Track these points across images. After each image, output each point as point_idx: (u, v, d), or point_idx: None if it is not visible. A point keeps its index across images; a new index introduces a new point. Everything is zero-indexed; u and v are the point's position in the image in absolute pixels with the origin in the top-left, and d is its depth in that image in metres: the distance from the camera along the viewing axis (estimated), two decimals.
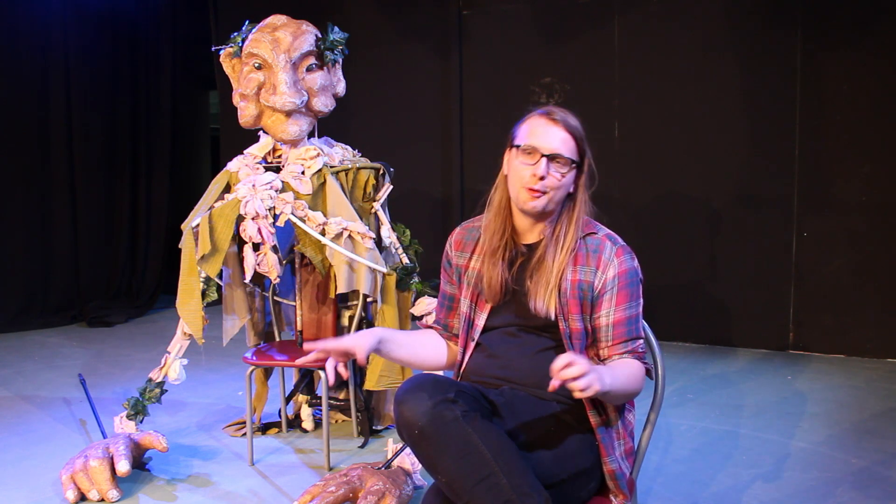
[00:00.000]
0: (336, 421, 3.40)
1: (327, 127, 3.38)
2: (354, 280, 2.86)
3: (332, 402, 3.30)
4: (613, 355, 1.68)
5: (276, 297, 3.25)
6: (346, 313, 3.25)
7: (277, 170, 2.93)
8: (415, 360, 1.86)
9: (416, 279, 2.96)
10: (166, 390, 3.02)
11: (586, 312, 1.68)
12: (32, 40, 5.42)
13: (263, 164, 2.98)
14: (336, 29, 2.95)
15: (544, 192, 1.69)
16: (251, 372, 2.94)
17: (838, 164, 4.39)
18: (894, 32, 4.20)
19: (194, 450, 3.08)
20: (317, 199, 2.90)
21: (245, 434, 3.06)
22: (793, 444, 3.08)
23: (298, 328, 3.15)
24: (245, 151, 3.06)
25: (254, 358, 2.94)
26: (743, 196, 4.62)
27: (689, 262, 4.78)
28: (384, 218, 3.06)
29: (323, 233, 2.83)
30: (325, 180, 2.91)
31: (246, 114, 2.94)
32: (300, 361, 1.81)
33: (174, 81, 6.32)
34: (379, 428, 3.25)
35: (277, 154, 3.03)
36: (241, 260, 3.01)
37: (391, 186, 3.11)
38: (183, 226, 2.93)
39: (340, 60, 3.01)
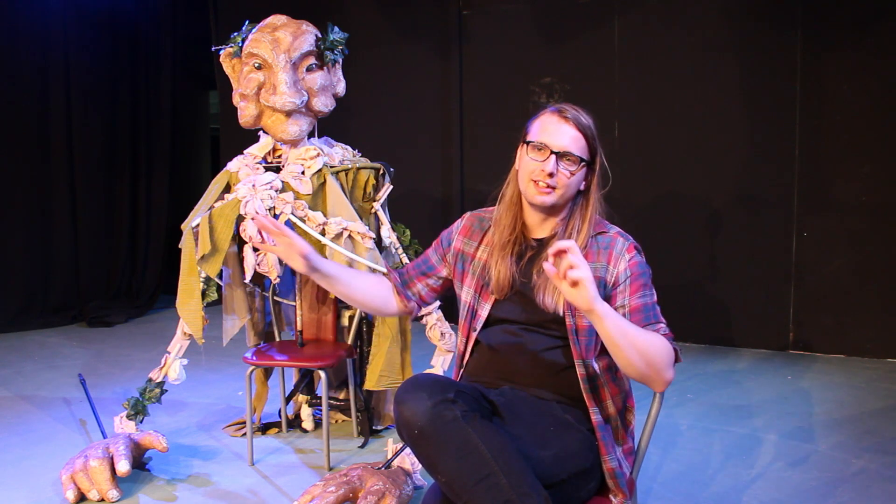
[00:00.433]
0: (336, 421, 3.40)
1: (327, 127, 3.38)
2: None
3: (332, 402, 3.30)
4: None
5: (276, 297, 3.25)
6: (346, 313, 3.25)
7: (277, 170, 2.93)
8: (347, 292, 1.90)
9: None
10: (166, 390, 3.02)
11: None
12: (32, 40, 5.42)
13: (263, 164, 2.98)
14: (336, 29, 2.95)
15: (553, 188, 1.70)
16: (251, 372, 2.94)
17: (838, 164, 4.39)
18: (894, 32, 4.21)
19: (194, 450, 3.08)
20: (317, 199, 2.90)
21: (245, 434, 3.06)
22: (793, 444, 3.08)
23: (298, 328, 3.15)
24: (245, 151, 3.06)
25: (254, 358, 2.94)
26: (743, 196, 4.62)
27: (689, 262, 4.78)
28: (384, 218, 3.06)
29: (323, 233, 2.83)
30: (325, 180, 2.91)
31: (246, 114, 2.94)
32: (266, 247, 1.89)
33: (174, 81, 6.32)
34: (379, 428, 3.25)
35: (277, 154, 3.03)
36: (241, 260, 3.01)
37: (391, 186, 3.11)
38: (183, 226, 2.93)
39: (340, 60, 3.01)
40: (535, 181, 1.71)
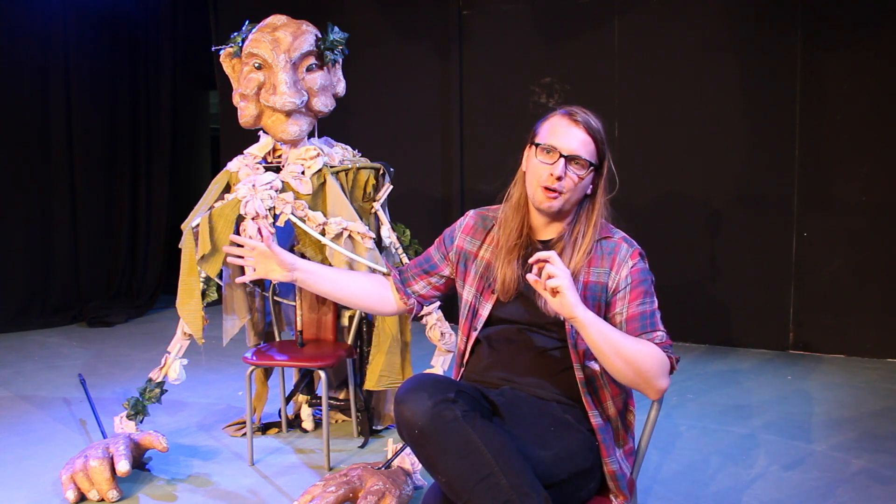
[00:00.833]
0: (336, 421, 3.40)
1: (327, 127, 3.38)
2: None
3: (332, 402, 3.30)
4: None
5: (276, 297, 3.25)
6: (346, 313, 3.25)
7: (277, 170, 2.93)
8: (334, 291, 1.89)
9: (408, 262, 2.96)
10: (166, 390, 3.02)
11: (599, 314, 1.66)
12: (32, 40, 5.42)
13: (263, 164, 2.98)
14: (336, 29, 2.95)
15: (560, 193, 1.69)
16: (251, 372, 2.94)
17: (838, 164, 4.39)
18: (894, 32, 4.21)
19: (194, 450, 3.08)
20: (317, 199, 2.90)
21: (245, 434, 3.06)
22: (793, 444, 3.08)
23: (298, 328, 3.15)
24: (245, 151, 3.06)
25: (254, 358, 2.94)
26: (743, 196, 4.62)
27: (689, 262, 4.78)
28: (384, 218, 3.06)
29: (323, 233, 2.83)
30: (325, 180, 2.91)
31: (246, 114, 2.94)
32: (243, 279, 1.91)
33: (174, 81, 6.32)
34: (379, 428, 3.25)
35: (277, 154, 3.03)
36: None
37: (391, 186, 3.11)
38: (183, 226, 2.93)
39: (340, 60, 3.01)
40: (543, 187, 1.70)
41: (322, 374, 2.89)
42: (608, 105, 4.88)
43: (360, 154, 3.19)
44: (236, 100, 2.97)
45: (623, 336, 1.59)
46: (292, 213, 2.82)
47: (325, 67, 2.96)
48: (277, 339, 3.26)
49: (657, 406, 1.72)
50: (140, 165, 6.21)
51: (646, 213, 4.82)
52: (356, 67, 4.66)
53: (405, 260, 3.02)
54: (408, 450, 2.58)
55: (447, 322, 2.94)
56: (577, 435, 1.68)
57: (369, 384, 2.93)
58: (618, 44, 4.86)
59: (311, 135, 3.03)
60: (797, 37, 4.41)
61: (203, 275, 2.93)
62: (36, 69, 5.47)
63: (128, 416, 2.95)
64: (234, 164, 3.01)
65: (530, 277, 1.50)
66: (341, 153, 3.08)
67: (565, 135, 1.70)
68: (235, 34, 2.99)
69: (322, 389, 2.95)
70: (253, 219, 2.80)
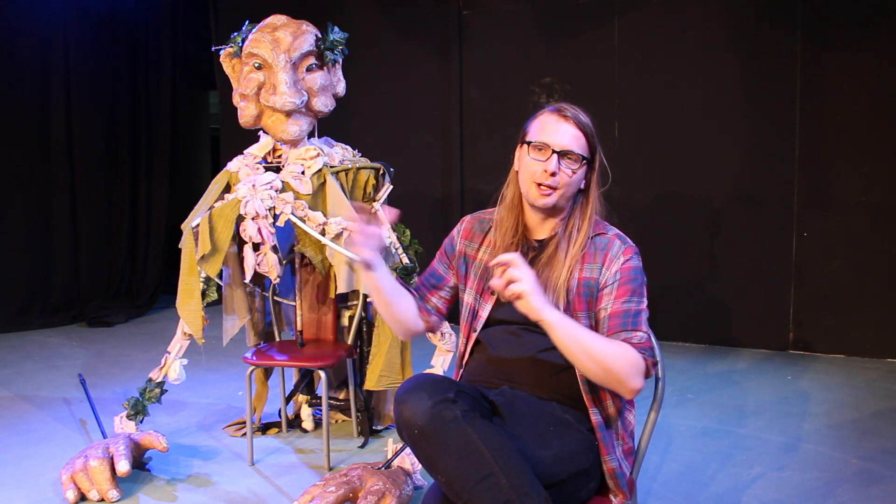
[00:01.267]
0: (336, 421, 3.40)
1: (327, 127, 3.38)
2: (354, 280, 2.86)
3: (332, 402, 3.30)
4: None
5: (276, 297, 3.25)
6: (346, 313, 3.25)
7: (277, 170, 2.93)
8: (390, 310, 1.80)
9: (415, 279, 2.96)
10: (166, 390, 3.02)
11: (592, 310, 1.68)
12: (32, 40, 5.42)
13: (263, 164, 2.98)
14: (336, 29, 2.95)
15: (555, 189, 1.70)
16: (251, 372, 2.94)
17: (838, 164, 4.39)
18: (894, 32, 4.21)
19: (194, 450, 3.08)
20: (317, 199, 2.90)
21: (245, 434, 3.06)
22: (793, 444, 3.08)
23: (298, 328, 3.15)
24: (245, 151, 3.06)
25: (254, 358, 2.94)
26: (743, 196, 4.62)
27: (689, 262, 4.78)
28: (384, 218, 3.06)
29: (323, 233, 2.83)
30: (325, 180, 2.91)
31: (246, 114, 2.94)
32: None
33: (174, 81, 6.31)
34: (379, 428, 3.25)
35: (277, 154, 3.03)
36: (241, 260, 3.01)
37: (391, 186, 3.11)
38: (183, 226, 2.93)
39: (340, 60, 3.01)
40: (537, 184, 1.70)
41: (322, 374, 2.89)
42: (608, 105, 4.88)
43: (360, 154, 3.20)
44: (236, 100, 2.97)
45: (594, 336, 1.58)
46: (292, 213, 2.82)
47: (325, 67, 2.96)
48: (277, 339, 3.26)
49: (657, 406, 1.72)
50: (140, 166, 6.21)
51: (646, 213, 4.82)
52: (356, 67, 4.66)
53: (405, 260, 3.02)
54: (408, 450, 2.58)
55: (447, 322, 2.94)
56: (577, 435, 1.68)
57: (369, 384, 2.93)
58: (618, 44, 4.86)
59: (311, 135, 3.03)
60: (797, 37, 4.41)
61: (203, 275, 2.93)
62: (36, 69, 5.47)
63: (128, 416, 2.95)
64: (234, 164, 3.01)
65: (493, 283, 1.49)
66: (341, 153, 3.09)
67: (556, 131, 1.70)
68: (235, 34, 2.99)
69: (322, 389, 2.95)
70: (253, 219, 2.81)
